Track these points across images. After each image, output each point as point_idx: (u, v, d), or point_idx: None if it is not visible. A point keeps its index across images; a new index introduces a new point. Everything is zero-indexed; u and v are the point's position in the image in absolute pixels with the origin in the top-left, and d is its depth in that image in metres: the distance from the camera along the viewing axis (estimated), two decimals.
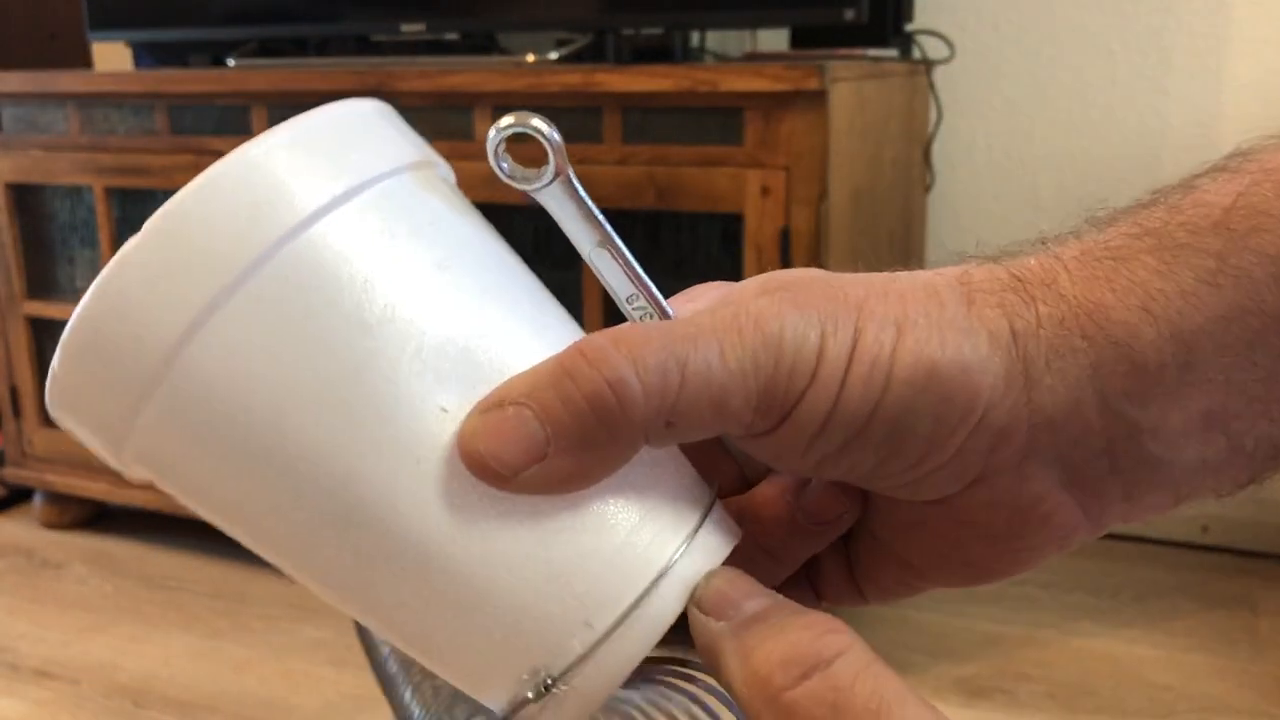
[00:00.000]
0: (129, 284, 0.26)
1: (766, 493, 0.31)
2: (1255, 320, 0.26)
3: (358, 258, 0.26)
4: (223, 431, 0.25)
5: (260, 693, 1.46)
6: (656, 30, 1.51)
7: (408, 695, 0.94)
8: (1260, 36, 1.67)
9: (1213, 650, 1.50)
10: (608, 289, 0.29)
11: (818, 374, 0.26)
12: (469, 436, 0.25)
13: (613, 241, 0.28)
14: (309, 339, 0.25)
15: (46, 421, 1.91)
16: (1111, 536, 1.85)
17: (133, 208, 1.75)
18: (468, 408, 0.25)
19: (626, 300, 0.29)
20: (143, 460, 0.27)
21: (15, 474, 1.96)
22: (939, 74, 1.80)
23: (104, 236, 1.76)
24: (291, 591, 1.72)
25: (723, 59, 1.73)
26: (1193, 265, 0.26)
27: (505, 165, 0.27)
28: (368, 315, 0.25)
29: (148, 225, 0.25)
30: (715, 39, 1.81)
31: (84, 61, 2.14)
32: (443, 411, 0.25)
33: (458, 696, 0.92)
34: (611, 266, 0.29)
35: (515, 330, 0.27)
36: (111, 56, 2.09)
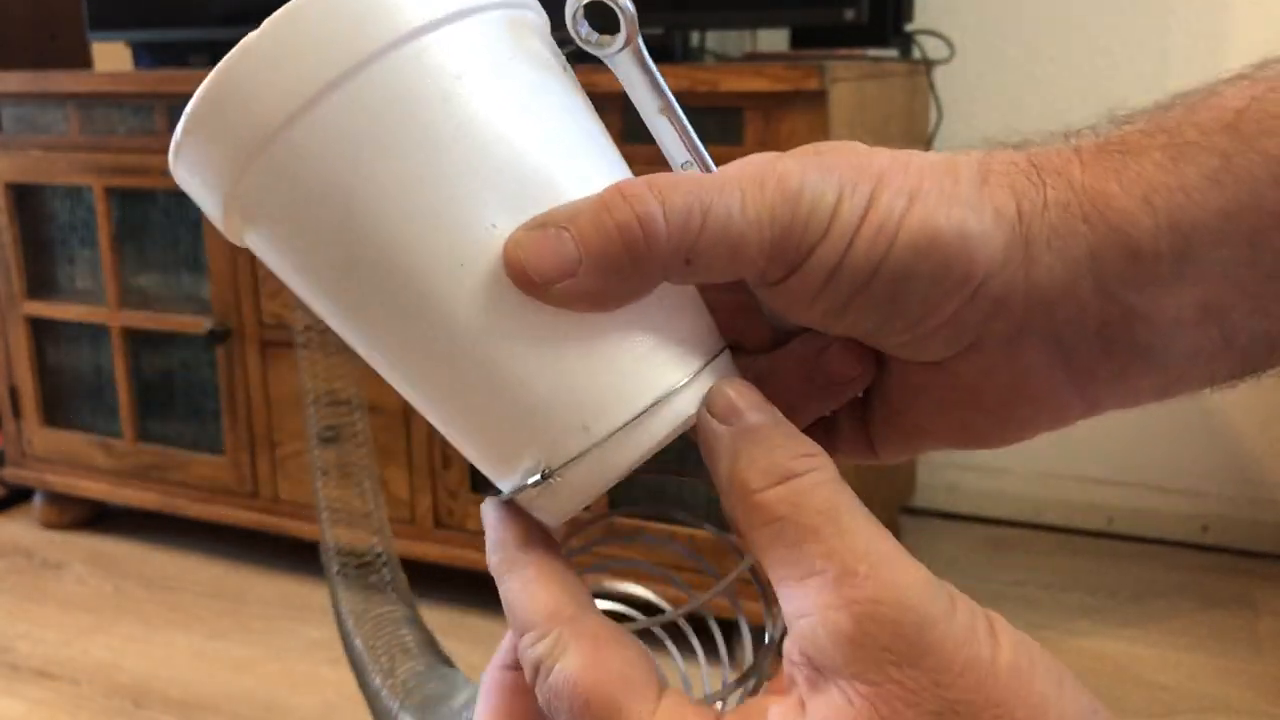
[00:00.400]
0: (248, 67, 0.28)
1: (791, 352, 0.33)
2: (1255, 218, 0.28)
3: (442, 79, 0.28)
4: (305, 205, 0.29)
5: (260, 693, 1.46)
6: (656, 30, 1.51)
7: (377, 682, 0.95)
8: (1260, 37, 1.67)
9: (1212, 650, 1.50)
10: (665, 154, 0.32)
11: (829, 231, 0.28)
12: (513, 246, 0.28)
13: (673, 110, 0.31)
14: (388, 142, 0.28)
15: (47, 421, 1.92)
16: (1111, 536, 1.86)
17: (132, 208, 1.75)
18: (514, 227, 0.28)
19: (681, 166, 0.32)
20: (245, 217, 0.30)
21: (15, 474, 1.96)
22: (939, 74, 1.80)
23: (104, 236, 1.76)
24: (291, 592, 1.72)
25: (723, 59, 1.73)
26: (1198, 162, 0.28)
27: (583, 30, 0.31)
28: (442, 132, 0.28)
29: (273, 17, 0.28)
30: (715, 39, 1.81)
31: (84, 61, 2.14)
32: (492, 227, 0.28)
33: (420, 681, 0.92)
34: (670, 133, 0.32)
35: (571, 171, 0.29)
36: (111, 56, 2.09)
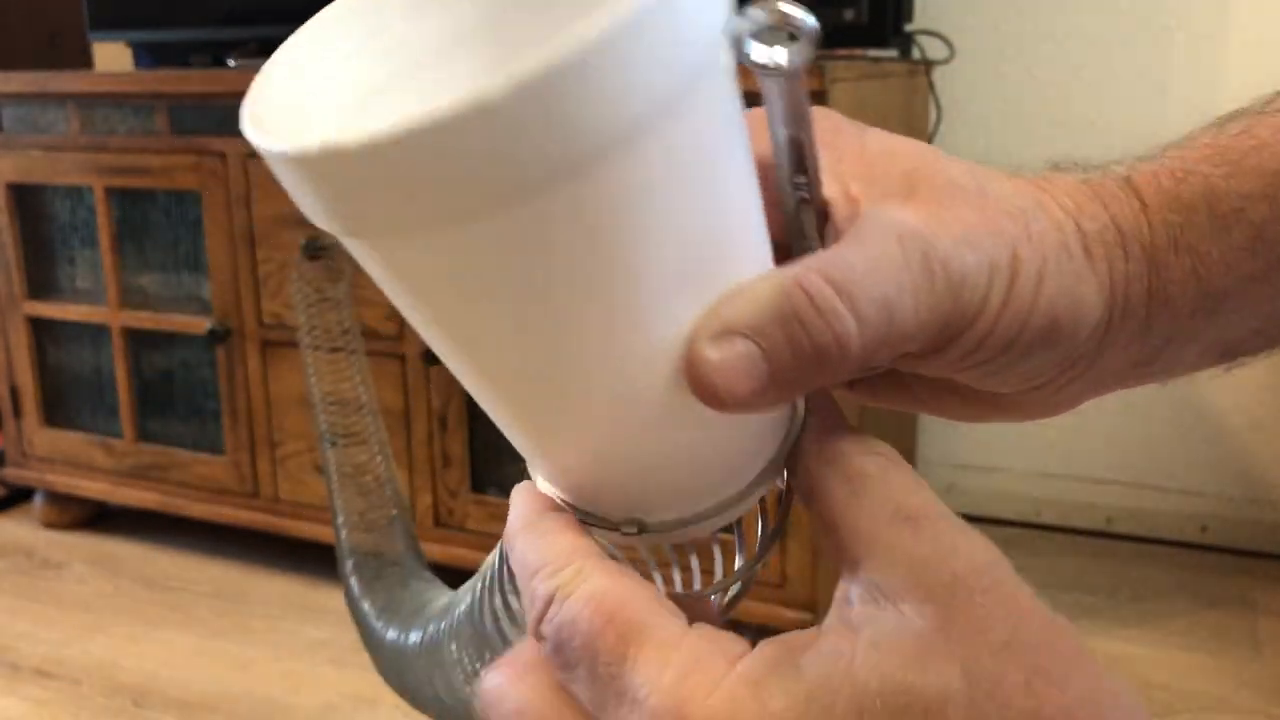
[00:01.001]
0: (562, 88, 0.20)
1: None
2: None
3: (691, 155, 0.24)
4: (535, 263, 0.24)
5: (260, 693, 1.46)
6: None
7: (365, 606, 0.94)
8: (1260, 37, 1.67)
9: (1211, 650, 1.50)
10: (779, 166, 0.29)
11: (977, 318, 0.30)
12: (704, 366, 0.26)
13: (811, 142, 0.29)
14: (639, 221, 0.23)
15: (47, 421, 1.92)
16: (1111, 536, 1.86)
17: (133, 208, 1.76)
18: (696, 313, 0.26)
19: (792, 185, 0.30)
20: (399, 234, 0.24)
21: (15, 474, 1.96)
22: (939, 74, 1.80)
23: (104, 236, 1.76)
24: (292, 591, 1.72)
25: None
26: (1237, 232, 0.32)
27: (750, 48, 0.26)
28: (676, 218, 0.24)
29: (587, 37, 0.20)
30: None
31: (84, 62, 2.14)
32: (679, 318, 0.25)
33: (398, 598, 0.92)
34: (793, 157, 0.29)
35: (746, 241, 0.27)
36: (112, 57, 2.09)
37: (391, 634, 0.89)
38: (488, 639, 0.39)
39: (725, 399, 0.26)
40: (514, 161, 0.20)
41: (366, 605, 0.93)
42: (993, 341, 0.30)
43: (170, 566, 1.82)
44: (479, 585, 0.40)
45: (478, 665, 0.41)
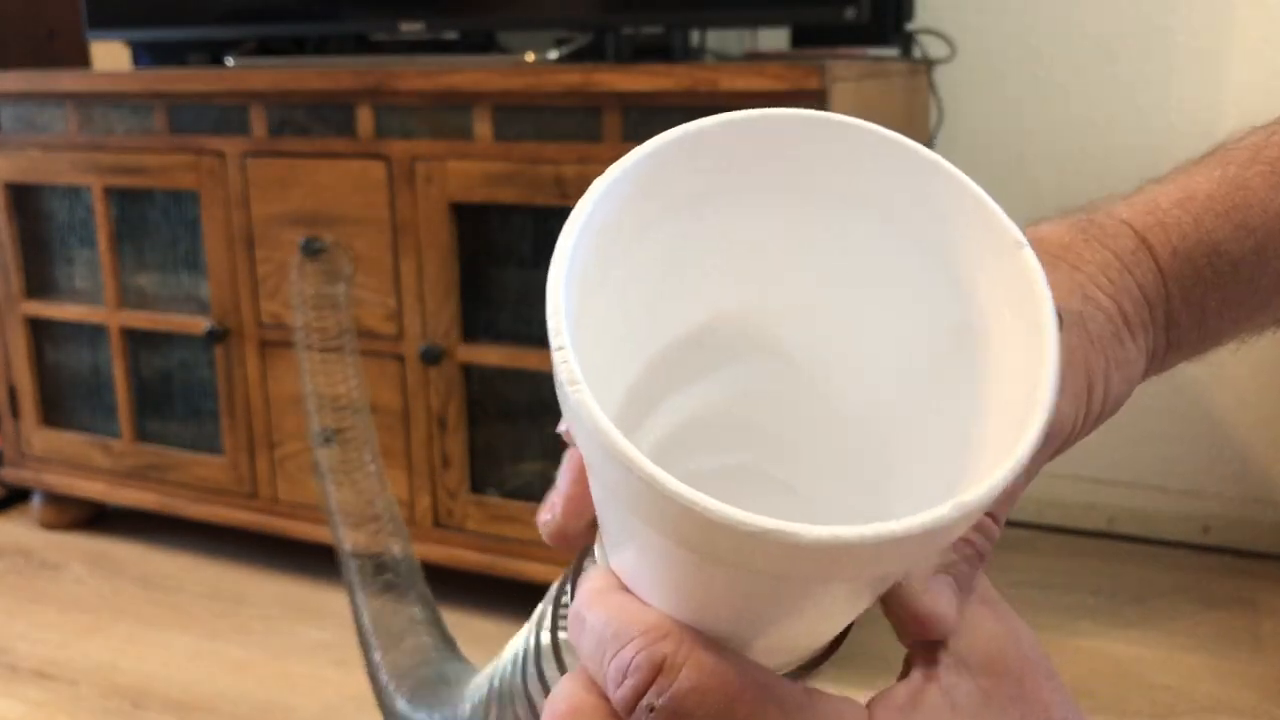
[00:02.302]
0: None
1: None
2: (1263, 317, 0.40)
3: None
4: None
5: (259, 694, 1.46)
6: (656, 30, 1.51)
7: (377, 657, 0.95)
8: (1261, 37, 1.67)
9: (1213, 650, 1.50)
10: None
11: (1063, 444, 0.34)
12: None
13: None
14: None
15: (46, 421, 1.91)
16: (1111, 536, 1.85)
17: (131, 207, 1.75)
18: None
19: None
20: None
21: (14, 474, 1.96)
22: (939, 74, 1.79)
23: (103, 236, 1.75)
24: (291, 592, 1.72)
25: (723, 58, 1.72)
26: (1231, 287, 0.37)
27: None
28: None
29: None
30: (715, 39, 1.80)
31: (83, 61, 2.14)
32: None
33: (423, 660, 0.92)
34: None
35: None
36: (110, 56, 2.08)
37: (403, 706, 0.88)
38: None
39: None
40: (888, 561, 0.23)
41: (381, 664, 0.93)
42: (1068, 445, 0.34)
43: (169, 567, 1.82)
44: (509, 669, 0.39)
45: None
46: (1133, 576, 1.73)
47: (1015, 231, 0.27)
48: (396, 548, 1.01)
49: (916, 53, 1.74)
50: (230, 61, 1.72)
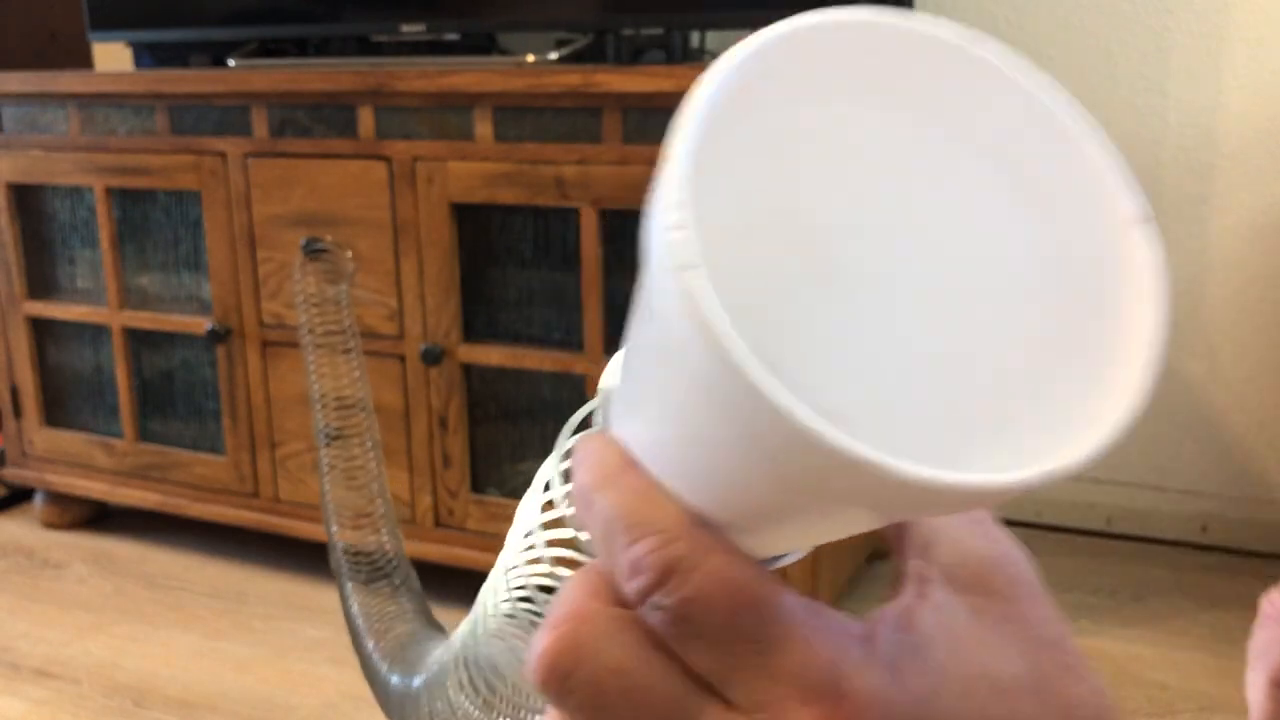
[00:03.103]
0: None
1: None
2: None
3: None
4: None
5: (260, 692, 1.46)
6: (656, 30, 1.51)
7: (370, 646, 0.95)
8: (1260, 37, 1.67)
9: (1211, 649, 1.50)
10: None
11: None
12: None
13: None
14: None
15: (48, 421, 1.92)
16: (1111, 536, 1.85)
17: (133, 208, 1.76)
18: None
19: None
20: None
21: (15, 474, 1.96)
22: None
23: (104, 236, 1.76)
24: (292, 591, 1.72)
25: None
26: None
27: None
28: None
29: None
30: (715, 39, 1.81)
31: (84, 62, 2.14)
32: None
33: (405, 646, 0.93)
34: None
35: None
36: (111, 57, 2.09)
37: (395, 679, 0.89)
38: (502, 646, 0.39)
39: None
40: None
41: (370, 644, 0.93)
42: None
43: (170, 566, 1.82)
44: (481, 611, 0.40)
45: (489, 680, 0.40)
46: (1131, 576, 1.73)
47: (1140, 204, 0.25)
48: (390, 546, 1.01)
49: None
50: (232, 63, 1.72)
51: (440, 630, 0.99)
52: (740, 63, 0.24)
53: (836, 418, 0.27)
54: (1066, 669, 0.27)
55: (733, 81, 0.24)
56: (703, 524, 0.25)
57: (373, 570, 0.99)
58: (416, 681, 0.82)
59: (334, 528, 1.00)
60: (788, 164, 0.27)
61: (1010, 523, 1.54)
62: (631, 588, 0.25)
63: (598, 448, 0.27)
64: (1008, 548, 0.29)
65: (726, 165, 0.26)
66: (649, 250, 0.22)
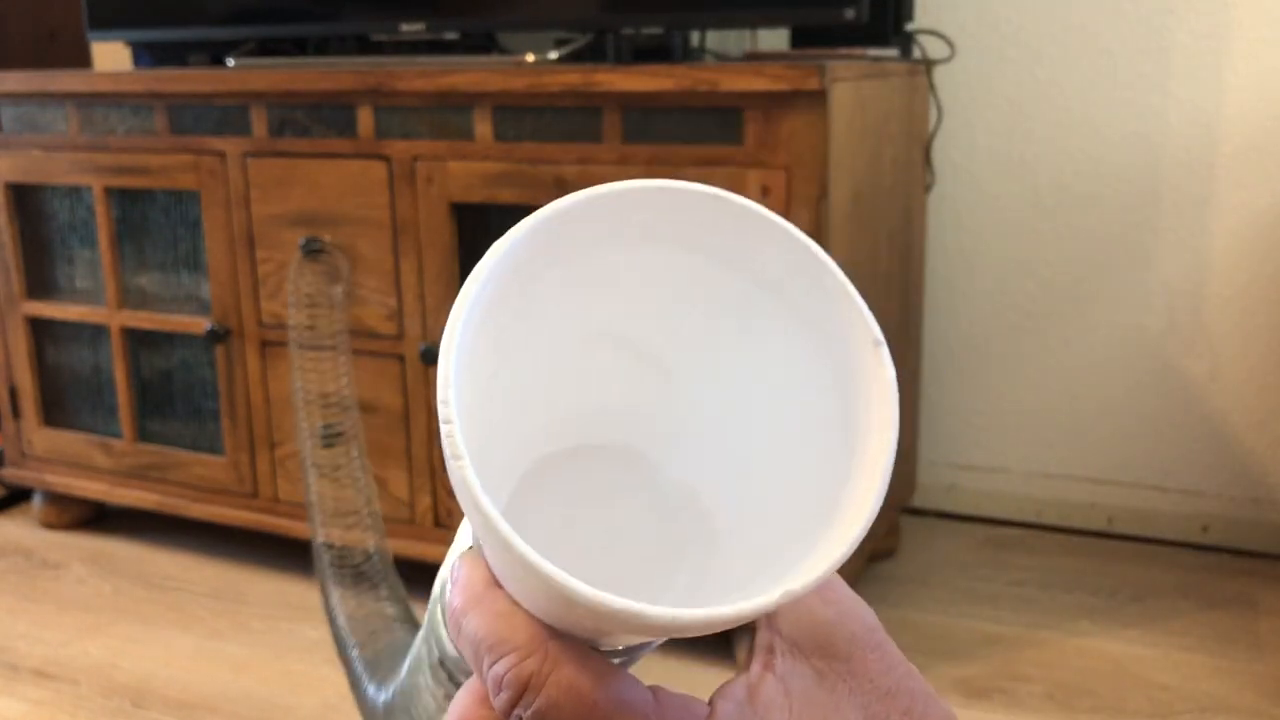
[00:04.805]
0: None
1: None
2: None
3: None
4: None
5: (259, 693, 1.46)
6: (656, 30, 1.51)
7: (354, 653, 0.95)
8: (1260, 36, 1.67)
9: (1212, 650, 1.50)
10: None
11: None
12: None
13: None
14: None
15: (47, 421, 1.91)
16: (1111, 536, 1.85)
17: (132, 207, 1.75)
18: None
19: None
20: None
21: (15, 474, 1.96)
22: (939, 74, 1.79)
23: (103, 236, 1.75)
24: (291, 592, 1.72)
25: (723, 59, 1.72)
26: None
27: None
28: None
29: None
30: (715, 39, 1.80)
31: (84, 61, 2.14)
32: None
33: (388, 656, 0.93)
34: None
35: None
36: (111, 56, 2.09)
37: (371, 690, 0.89)
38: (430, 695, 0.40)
39: None
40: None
41: (355, 653, 0.93)
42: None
43: (169, 567, 1.82)
44: (422, 649, 0.41)
45: None
46: (1132, 576, 1.73)
47: (875, 329, 0.30)
48: (371, 543, 1.01)
49: (916, 53, 1.74)
50: (231, 62, 1.72)
51: (395, 581, 0.99)
52: (509, 247, 0.29)
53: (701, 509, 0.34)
54: (905, 713, 0.30)
55: (513, 257, 0.29)
56: (554, 637, 0.28)
57: (357, 574, 0.99)
58: (384, 695, 0.82)
59: (319, 530, 1.00)
60: (608, 293, 0.32)
61: (1009, 523, 1.55)
62: (497, 704, 0.28)
63: (466, 570, 0.31)
64: (849, 606, 0.32)
65: (548, 296, 0.31)
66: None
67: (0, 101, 1.78)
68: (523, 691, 0.28)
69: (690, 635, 0.27)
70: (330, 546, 0.98)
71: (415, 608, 1.21)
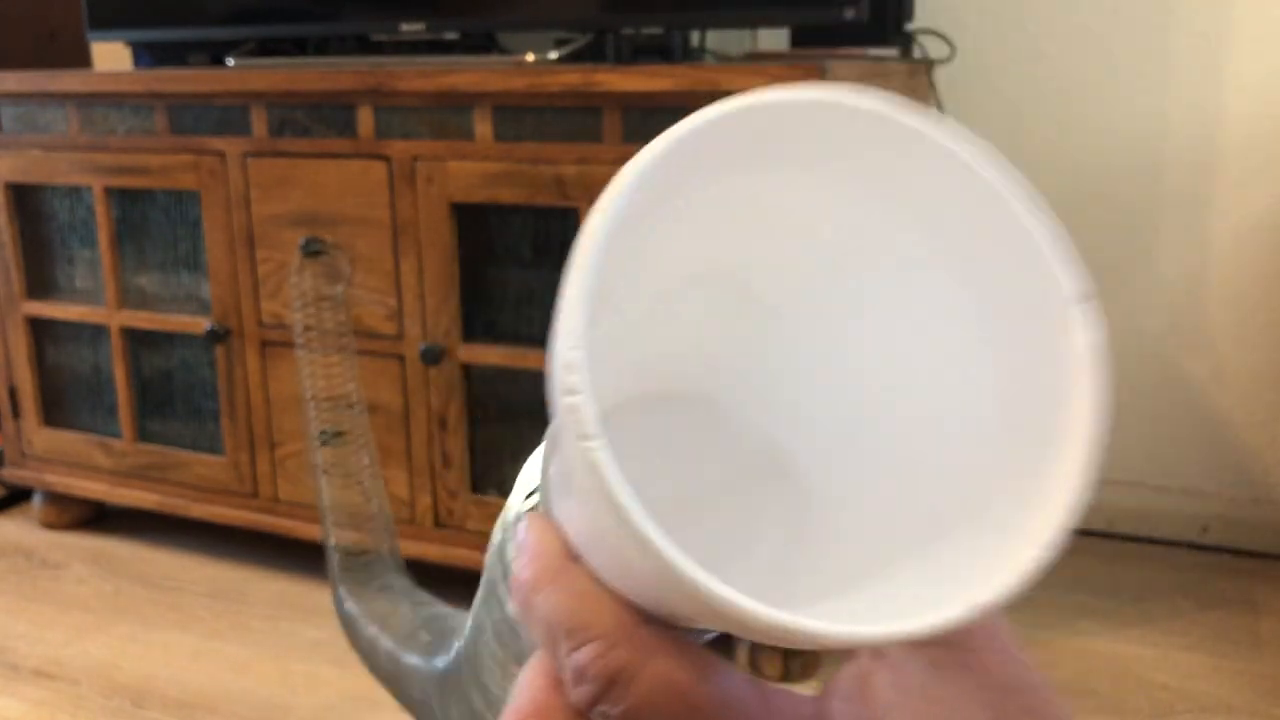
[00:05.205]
0: None
1: None
2: None
3: None
4: None
5: (259, 693, 1.46)
6: (656, 30, 1.51)
7: (372, 631, 0.95)
8: (1260, 36, 1.67)
9: (1212, 650, 1.50)
10: None
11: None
12: None
13: None
14: None
15: (47, 421, 1.91)
16: (1111, 536, 1.85)
17: (132, 207, 1.75)
18: None
19: None
20: None
21: (15, 474, 1.96)
22: (939, 74, 1.79)
23: (103, 236, 1.75)
24: (291, 591, 1.72)
25: (723, 59, 1.72)
26: None
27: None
28: None
29: None
30: (715, 39, 1.80)
31: (84, 61, 2.14)
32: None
33: (415, 630, 0.92)
34: None
35: None
36: (111, 56, 2.09)
37: (417, 661, 0.89)
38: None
39: None
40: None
41: (374, 630, 0.93)
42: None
43: (169, 567, 1.82)
44: (481, 610, 0.39)
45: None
46: (1132, 576, 1.73)
47: (1076, 283, 0.24)
48: (385, 547, 1.01)
49: (916, 53, 1.74)
50: (231, 62, 1.72)
51: (405, 581, 0.99)
52: (659, 153, 0.24)
53: (796, 471, 0.29)
54: (1029, 711, 0.27)
55: (648, 175, 0.24)
56: (644, 622, 0.25)
57: (367, 574, 0.99)
58: (443, 661, 0.81)
59: (330, 530, 1.00)
60: (734, 227, 0.27)
61: None
62: (577, 695, 0.25)
63: (538, 538, 0.26)
64: None
65: (663, 231, 0.26)
66: (552, 390, 0.22)
67: (0, 101, 1.78)
68: (611, 686, 0.24)
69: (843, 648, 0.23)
70: (343, 550, 0.98)
71: (431, 609, 1.21)
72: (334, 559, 0.98)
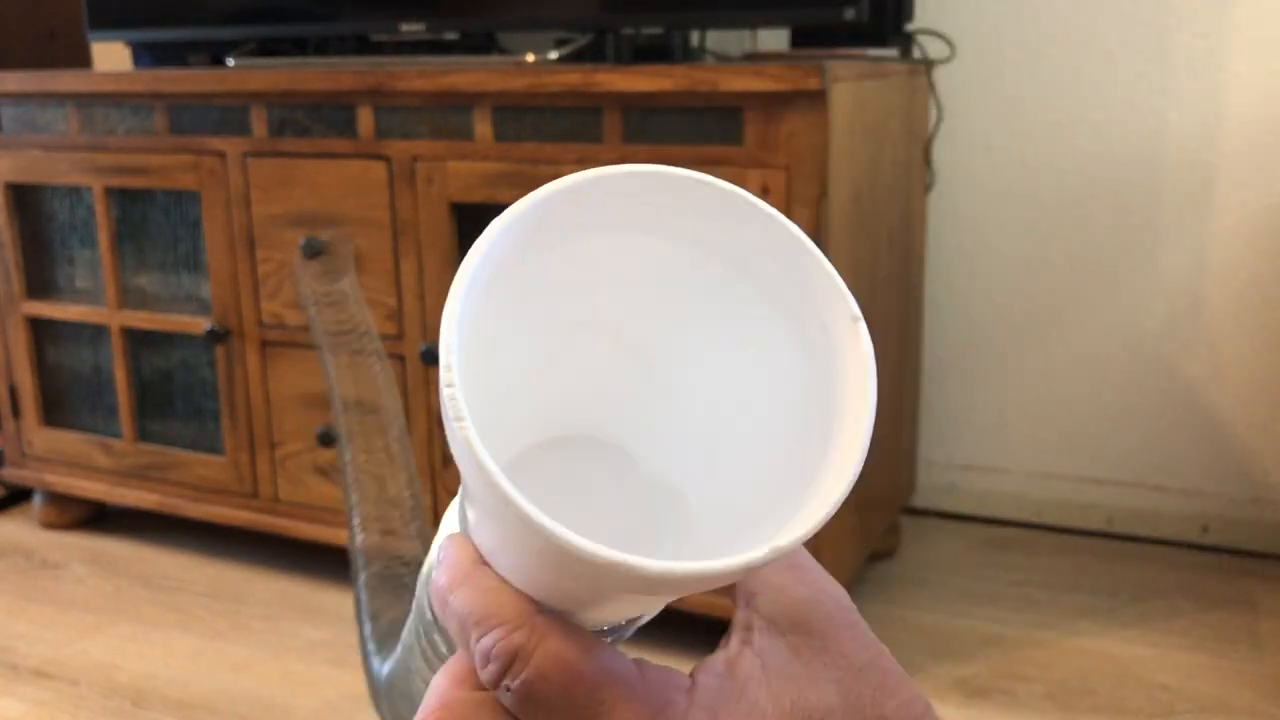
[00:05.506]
0: None
1: None
2: None
3: None
4: None
5: (259, 693, 1.46)
6: (656, 30, 1.51)
7: (368, 628, 0.95)
8: (1261, 36, 1.67)
9: (1212, 650, 1.50)
10: None
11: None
12: None
13: None
14: None
15: (47, 421, 1.91)
16: (1111, 536, 1.85)
17: (132, 208, 1.75)
18: None
19: None
20: None
21: (15, 474, 1.96)
22: (939, 74, 1.79)
23: (103, 236, 1.76)
24: (291, 592, 1.72)
25: (723, 59, 1.72)
26: None
27: None
28: None
29: None
30: (715, 39, 1.80)
31: (84, 61, 2.14)
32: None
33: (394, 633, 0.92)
34: None
35: None
36: (110, 56, 2.09)
37: (376, 664, 0.89)
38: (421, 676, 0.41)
39: None
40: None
41: (368, 629, 0.93)
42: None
43: (169, 567, 1.82)
44: (414, 627, 0.41)
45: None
46: (1132, 576, 1.73)
47: (853, 306, 0.30)
48: (407, 549, 1.01)
49: (916, 53, 1.74)
50: (231, 62, 1.72)
51: None
52: (513, 220, 0.29)
53: (675, 493, 0.35)
54: (878, 688, 0.31)
55: (509, 237, 0.29)
56: (542, 611, 0.29)
57: (388, 573, 0.99)
58: (386, 668, 0.82)
59: (356, 526, 1.00)
60: (604, 281, 0.33)
61: (1009, 523, 1.55)
62: (484, 675, 0.29)
63: (453, 550, 0.31)
64: (824, 586, 0.33)
65: (544, 283, 0.32)
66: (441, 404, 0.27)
67: (0, 101, 1.78)
68: (510, 663, 0.28)
69: (681, 594, 0.28)
70: (366, 554, 0.98)
71: None
72: (360, 568, 0.98)
